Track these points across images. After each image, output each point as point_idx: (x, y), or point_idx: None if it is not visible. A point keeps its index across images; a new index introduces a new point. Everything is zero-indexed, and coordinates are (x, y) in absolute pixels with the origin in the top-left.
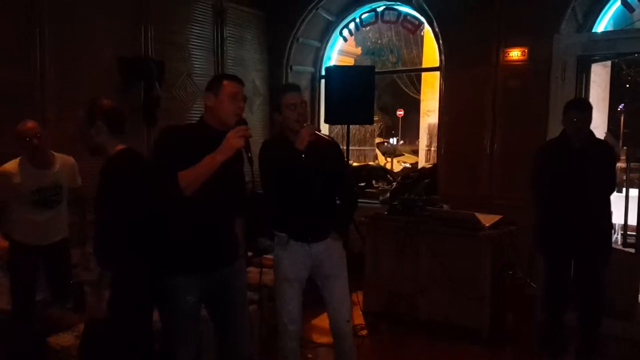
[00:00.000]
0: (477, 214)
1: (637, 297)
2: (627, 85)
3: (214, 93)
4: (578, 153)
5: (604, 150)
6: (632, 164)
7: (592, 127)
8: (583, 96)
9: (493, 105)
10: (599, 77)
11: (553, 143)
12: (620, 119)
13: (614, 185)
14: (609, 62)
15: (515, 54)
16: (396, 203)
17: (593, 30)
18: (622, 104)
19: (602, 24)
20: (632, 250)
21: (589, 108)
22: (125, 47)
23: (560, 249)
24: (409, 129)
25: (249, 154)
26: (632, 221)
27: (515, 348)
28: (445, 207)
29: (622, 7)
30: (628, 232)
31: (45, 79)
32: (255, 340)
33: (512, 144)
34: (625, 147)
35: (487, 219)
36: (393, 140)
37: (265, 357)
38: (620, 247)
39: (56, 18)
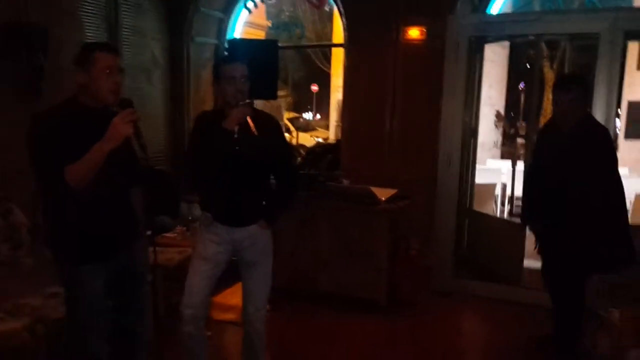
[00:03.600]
0: (373, 188)
1: (522, 263)
2: (528, 65)
3: (85, 68)
4: (565, 138)
5: (592, 140)
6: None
7: (491, 104)
8: (477, 76)
9: (393, 83)
10: (499, 57)
11: (546, 125)
12: (521, 97)
13: (603, 185)
14: (507, 43)
15: (414, 33)
16: None
17: (487, 12)
18: (523, 83)
19: (497, 6)
20: (518, 220)
21: (572, 88)
22: (2, 12)
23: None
24: (324, 104)
25: (141, 140)
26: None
27: (412, 316)
28: (346, 182)
29: None
30: (515, 204)
31: None
32: (149, 322)
33: (410, 122)
34: (524, 123)
35: (383, 193)
36: (308, 115)
37: (163, 337)
38: (508, 218)
39: None
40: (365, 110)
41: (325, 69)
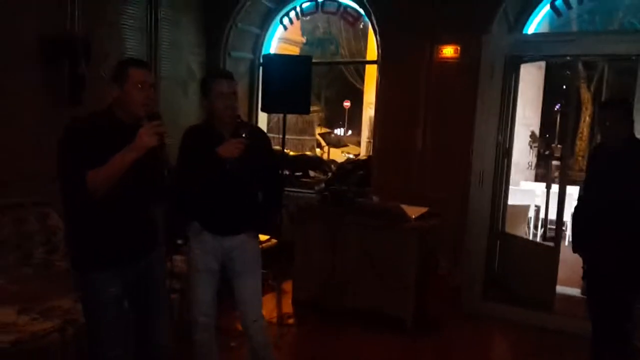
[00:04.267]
0: (403, 206)
1: (554, 289)
2: (564, 87)
3: (118, 83)
4: (612, 158)
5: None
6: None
7: (526, 124)
8: (512, 96)
9: (426, 101)
10: (534, 78)
11: (594, 148)
12: (557, 118)
13: None
14: (544, 64)
15: (448, 51)
16: (326, 193)
17: (524, 32)
18: (559, 104)
19: (533, 26)
20: (552, 244)
21: (613, 107)
22: (49, 23)
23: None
24: (355, 120)
25: (163, 154)
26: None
27: (438, 338)
28: (375, 198)
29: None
30: (548, 227)
31: None
32: (176, 331)
33: (442, 140)
34: (560, 145)
35: (413, 211)
36: (340, 131)
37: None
38: (541, 241)
39: None
40: (397, 127)
41: (358, 85)
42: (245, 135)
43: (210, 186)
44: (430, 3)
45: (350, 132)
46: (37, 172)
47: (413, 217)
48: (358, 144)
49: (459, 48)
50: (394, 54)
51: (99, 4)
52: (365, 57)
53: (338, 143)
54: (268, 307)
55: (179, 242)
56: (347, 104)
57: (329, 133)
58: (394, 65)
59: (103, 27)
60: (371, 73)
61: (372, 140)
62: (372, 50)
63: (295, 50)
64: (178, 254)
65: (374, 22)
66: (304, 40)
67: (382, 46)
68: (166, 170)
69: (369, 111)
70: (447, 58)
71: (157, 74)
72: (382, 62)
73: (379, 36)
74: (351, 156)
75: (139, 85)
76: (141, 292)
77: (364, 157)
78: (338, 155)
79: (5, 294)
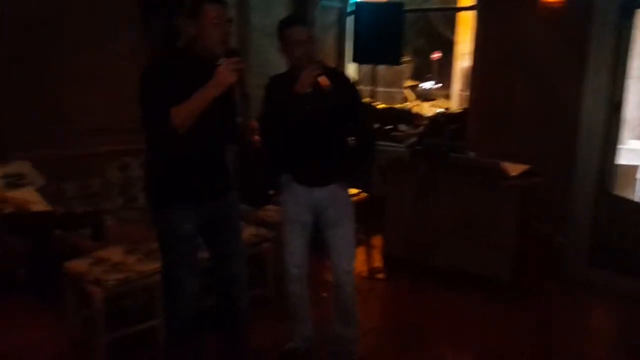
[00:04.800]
0: (502, 163)
1: None
2: None
3: (194, 19)
4: None
5: None
6: None
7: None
8: (626, 45)
9: (529, 50)
10: None
11: None
12: None
13: None
14: None
15: None
16: (419, 148)
17: None
18: None
19: None
20: None
21: None
22: None
23: None
24: (445, 72)
25: (244, 90)
26: None
27: (537, 303)
28: (471, 154)
29: None
30: None
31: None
32: (270, 280)
33: (546, 93)
34: None
35: (513, 168)
36: (428, 84)
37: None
38: None
39: None
40: (496, 79)
41: (447, 35)
42: (321, 73)
43: (296, 133)
44: None
45: (438, 84)
46: (137, 122)
47: (513, 174)
48: (446, 97)
49: None
50: None
51: None
52: (455, 4)
53: (426, 96)
54: (358, 261)
55: (271, 192)
56: (437, 55)
57: (417, 85)
58: (493, 11)
59: None
60: (464, 22)
61: (465, 93)
62: None
63: None
64: (271, 203)
65: None
66: None
67: None
68: (246, 108)
69: (460, 63)
70: (554, 2)
71: (247, 24)
72: (481, 8)
73: None
74: (441, 110)
75: (215, 21)
76: (216, 231)
77: (459, 110)
78: (426, 109)
79: (115, 234)
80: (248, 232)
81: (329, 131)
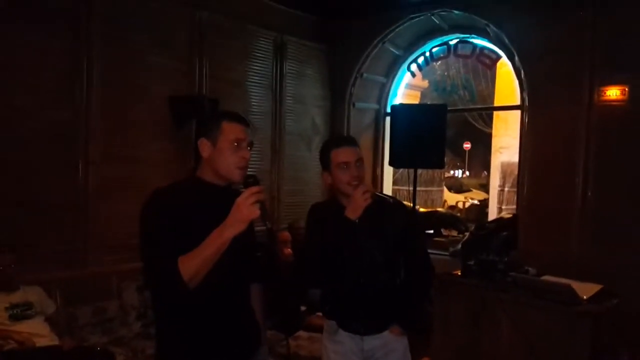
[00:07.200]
0: (572, 283)
1: None
2: None
3: (211, 140)
4: None
5: None
6: None
7: None
8: None
9: (586, 149)
10: None
11: None
12: None
13: None
14: None
15: (613, 92)
16: (471, 263)
17: None
18: None
19: None
20: None
21: None
22: (178, 85)
23: None
24: (476, 162)
25: (267, 223)
26: None
27: None
28: (532, 271)
29: None
30: None
31: (90, 118)
32: None
33: (610, 196)
34: None
35: (585, 290)
36: (457, 173)
37: None
38: None
39: (104, 54)
40: (549, 181)
41: (478, 126)
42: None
43: (345, 268)
44: (586, 40)
45: (467, 173)
46: None
47: (585, 297)
48: (479, 187)
49: (626, 89)
50: (542, 97)
51: (226, 64)
52: (492, 100)
53: (460, 187)
54: None
55: (303, 308)
56: (467, 145)
57: (451, 177)
58: (542, 110)
59: (230, 86)
60: (501, 116)
61: (504, 189)
62: (502, 93)
63: (416, 96)
64: (302, 328)
65: (517, 62)
66: (426, 84)
67: (528, 89)
68: (271, 243)
69: (498, 156)
70: (612, 100)
71: (281, 129)
72: (529, 107)
73: (524, 78)
74: (476, 202)
75: (235, 144)
76: None
77: (509, 216)
78: (462, 200)
79: None
80: None
81: (384, 266)
